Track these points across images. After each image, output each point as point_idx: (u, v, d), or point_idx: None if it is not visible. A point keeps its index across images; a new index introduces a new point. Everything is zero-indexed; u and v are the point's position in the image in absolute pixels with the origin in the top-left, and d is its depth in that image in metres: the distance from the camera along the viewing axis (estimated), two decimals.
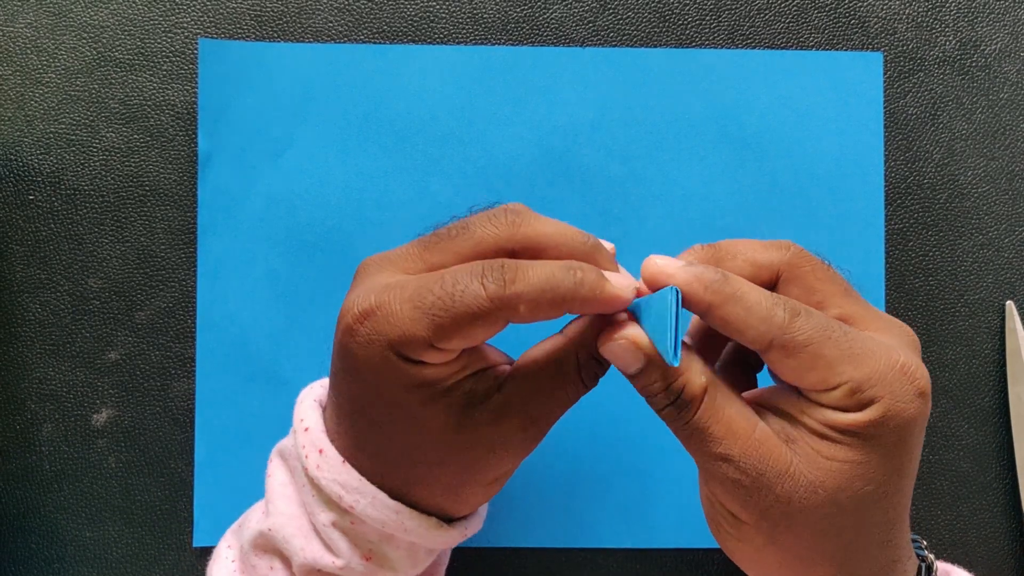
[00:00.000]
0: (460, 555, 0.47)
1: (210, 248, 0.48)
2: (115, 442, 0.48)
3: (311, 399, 0.37)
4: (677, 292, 0.31)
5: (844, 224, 0.48)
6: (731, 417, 0.33)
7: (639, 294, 0.33)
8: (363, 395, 0.33)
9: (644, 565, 0.48)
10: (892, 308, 0.49)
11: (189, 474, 0.48)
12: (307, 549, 0.36)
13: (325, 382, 0.39)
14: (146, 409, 0.48)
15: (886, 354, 0.32)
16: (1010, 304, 0.48)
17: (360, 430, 0.35)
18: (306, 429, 0.36)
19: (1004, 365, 0.48)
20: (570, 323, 0.35)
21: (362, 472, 0.35)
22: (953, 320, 0.49)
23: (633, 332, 0.33)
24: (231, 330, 0.48)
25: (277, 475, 0.38)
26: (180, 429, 0.48)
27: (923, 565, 0.37)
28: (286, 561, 0.37)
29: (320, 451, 0.35)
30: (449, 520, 0.37)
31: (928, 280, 0.49)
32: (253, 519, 0.39)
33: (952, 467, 0.49)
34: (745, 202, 0.48)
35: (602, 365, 0.34)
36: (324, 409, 0.37)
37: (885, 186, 0.49)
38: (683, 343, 0.33)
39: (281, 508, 0.37)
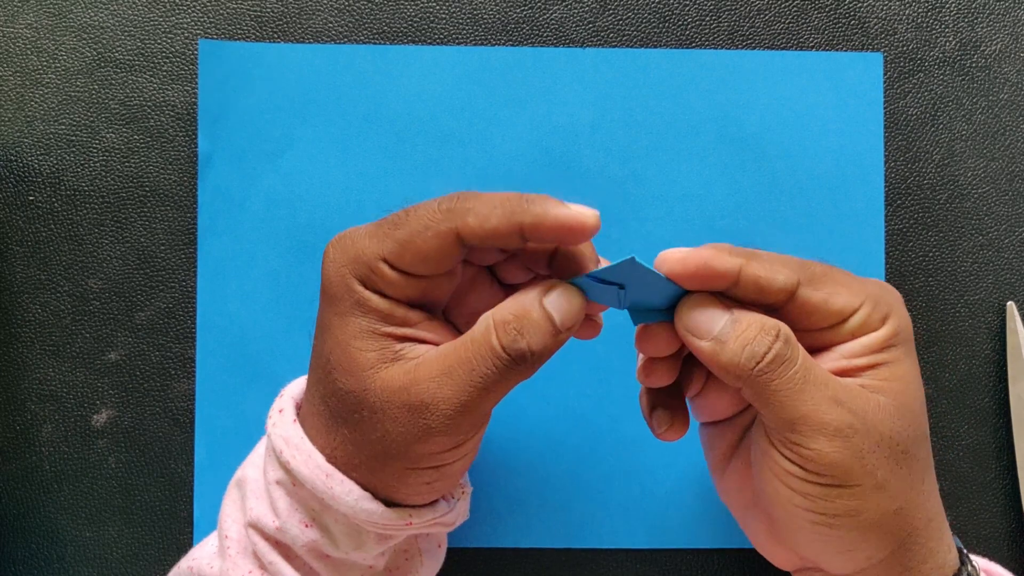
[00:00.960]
0: (460, 555, 0.48)
1: (210, 249, 0.48)
2: (115, 443, 0.48)
3: (304, 377, 0.39)
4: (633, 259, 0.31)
5: (844, 224, 0.48)
6: (819, 369, 0.33)
7: (596, 224, 0.32)
8: (320, 319, 0.34)
9: (645, 565, 0.48)
10: None
11: (189, 475, 0.48)
12: (255, 507, 0.36)
13: None
14: (146, 410, 0.48)
15: (871, 280, 0.36)
16: (1011, 304, 0.48)
17: (312, 375, 0.35)
18: (281, 395, 0.38)
19: (1004, 365, 0.48)
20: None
21: (307, 431, 0.35)
22: (953, 320, 0.49)
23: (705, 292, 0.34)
24: (231, 330, 0.48)
25: (260, 444, 0.39)
26: (180, 430, 0.48)
27: (961, 553, 0.37)
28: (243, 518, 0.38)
29: (280, 411, 0.37)
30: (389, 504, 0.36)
31: (928, 281, 0.49)
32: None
33: (952, 467, 0.49)
34: (745, 203, 0.48)
35: (523, 331, 0.32)
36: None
37: (885, 187, 0.49)
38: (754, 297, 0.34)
39: (248, 469, 0.38)
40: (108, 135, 0.48)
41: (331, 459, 0.35)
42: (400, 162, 0.48)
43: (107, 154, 0.48)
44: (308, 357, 0.47)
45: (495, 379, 0.32)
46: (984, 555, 0.48)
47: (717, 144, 0.48)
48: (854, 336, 0.34)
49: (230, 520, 0.38)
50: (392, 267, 0.33)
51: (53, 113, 0.48)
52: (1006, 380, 0.48)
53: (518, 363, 0.32)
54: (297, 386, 0.38)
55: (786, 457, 0.33)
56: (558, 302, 0.33)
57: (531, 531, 0.48)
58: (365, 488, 0.35)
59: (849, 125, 0.49)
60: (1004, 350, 0.48)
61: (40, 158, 0.48)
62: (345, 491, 0.34)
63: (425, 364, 0.33)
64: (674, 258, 0.33)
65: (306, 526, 0.36)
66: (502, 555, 0.48)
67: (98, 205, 0.48)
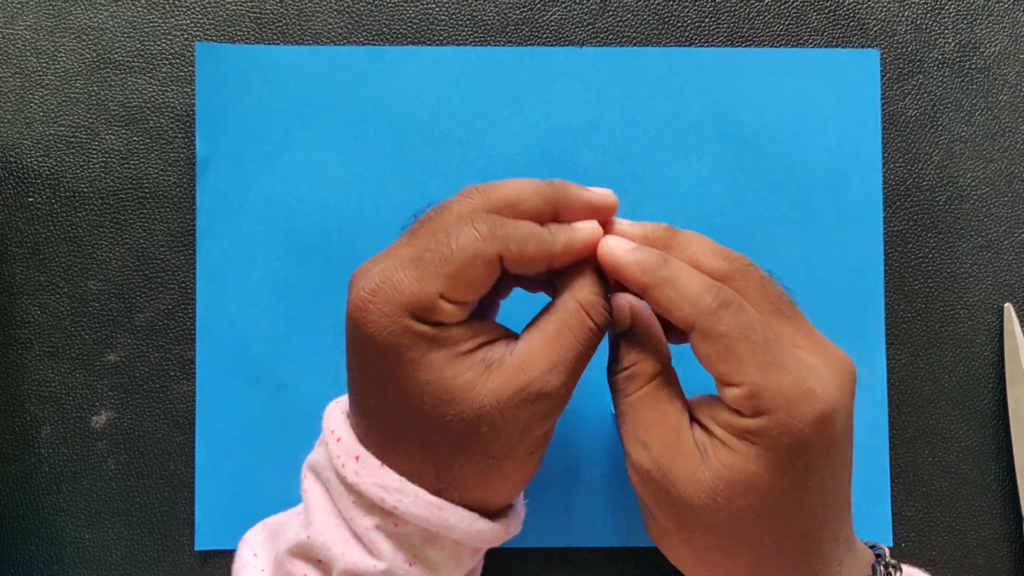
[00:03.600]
0: None
1: (209, 250, 0.48)
2: (115, 444, 0.48)
3: (338, 411, 0.38)
4: None
5: (843, 222, 0.48)
6: (666, 412, 0.35)
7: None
8: (383, 377, 0.34)
9: (645, 564, 0.48)
10: (891, 310, 0.49)
11: (189, 476, 0.48)
12: (348, 554, 0.36)
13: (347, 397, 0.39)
14: (146, 411, 0.48)
15: (797, 372, 0.33)
16: (1008, 306, 0.49)
17: (386, 422, 0.35)
18: (338, 440, 0.37)
19: (1003, 367, 0.48)
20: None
21: (399, 472, 0.36)
22: (952, 322, 0.49)
23: (629, 296, 0.37)
24: (231, 332, 0.48)
25: (313, 489, 0.38)
26: (180, 431, 0.48)
27: (883, 571, 0.38)
28: (324, 568, 0.37)
29: (356, 458, 0.36)
30: (489, 516, 0.37)
31: (927, 282, 0.49)
32: (291, 530, 0.39)
33: (951, 469, 0.49)
34: (743, 201, 0.48)
35: (606, 301, 0.36)
36: (350, 419, 0.38)
37: (884, 188, 0.49)
38: (654, 332, 0.37)
39: (319, 518, 0.37)
40: (107, 137, 0.48)
41: (444, 492, 0.35)
42: (399, 163, 0.48)
43: (106, 156, 0.48)
44: (307, 359, 0.47)
45: (588, 351, 0.36)
46: (983, 557, 0.48)
47: (715, 142, 0.48)
48: (729, 407, 0.34)
49: (301, 569, 0.37)
50: (448, 300, 0.33)
51: (52, 115, 0.48)
52: (1005, 382, 0.48)
53: (603, 331, 0.36)
54: (341, 422, 0.37)
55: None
56: (604, 257, 0.37)
57: (531, 530, 0.48)
58: (473, 508, 0.36)
59: (847, 122, 0.49)
60: (1003, 352, 0.48)
61: (39, 160, 0.48)
62: (459, 518, 0.35)
63: (532, 359, 0.34)
64: (602, 247, 0.36)
65: (410, 564, 0.36)
66: (502, 555, 0.48)
67: (97, 207, 0.48)
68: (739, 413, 0.34)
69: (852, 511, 0.38)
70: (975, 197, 0.49)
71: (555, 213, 0.36)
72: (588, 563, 0.48)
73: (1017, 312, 0.49)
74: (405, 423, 0.35)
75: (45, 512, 0.48)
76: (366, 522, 0.36)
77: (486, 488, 0.36)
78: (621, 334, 0.37)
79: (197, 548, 0.47)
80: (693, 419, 0.36)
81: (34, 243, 0.48)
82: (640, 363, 0.36)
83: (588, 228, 0.36)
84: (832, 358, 0.35)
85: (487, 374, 0.34)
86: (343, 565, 0.36)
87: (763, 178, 0.48)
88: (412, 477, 0.35)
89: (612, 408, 0.48)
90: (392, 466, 0.36)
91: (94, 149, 0.48)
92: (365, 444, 0.36)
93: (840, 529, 0.37)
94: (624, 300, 0.37)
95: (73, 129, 0.48)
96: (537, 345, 0.35)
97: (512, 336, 0.36)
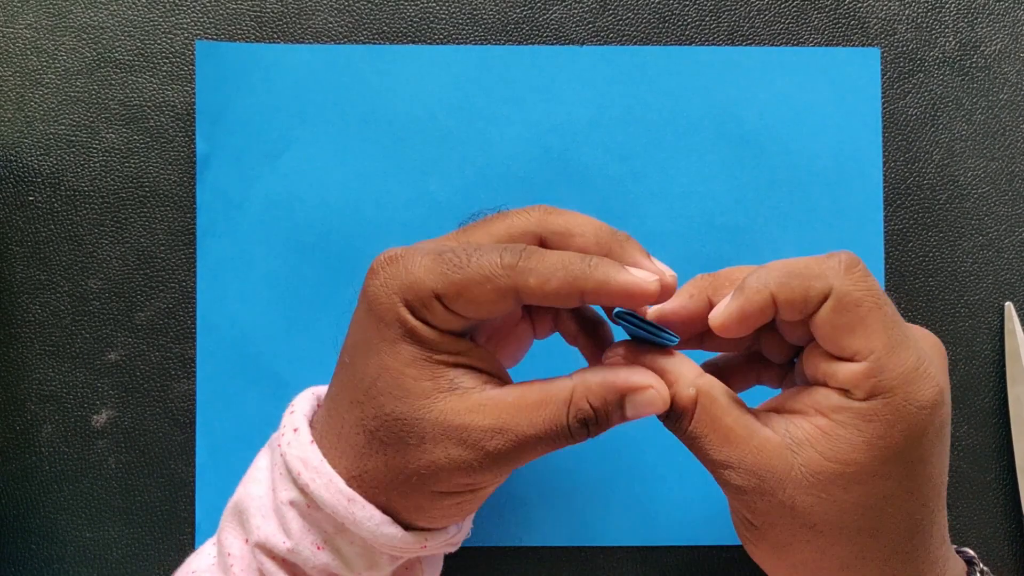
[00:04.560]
0: (460, 555, 0.48)
1: (210, 249, 0.48)
2: (115, 443, 0.48)
3: (310, 392, 0.38)
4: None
5: (843, 221, 0.48)
6: (728, 425, 0.33)
7: (664, 290, 0.33)
8: (359, 341, 0.34)
9: (646, 563, 0.48)
10: None
11: (189, 475, 0.48)
12: (263, 527, 0.36)
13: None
14: (146, 410, 0.48)
15: (918, 351, 0.32)
16: (1009, 305, 0.48)
17: (338, 392, 0.35)
18: (291, 412, 0.37)
19: (1003, 366, 0.48)
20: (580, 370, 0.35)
21: (327, 458, 0.35)
22: (953, 321, 0.49)
23: (622, 350, 0.35)
24: (231, 331, 0.48)
25: (260, 460, 0.38)
26: (180, 430, 0.48)
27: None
28: (246, 536, 0.37)
29: (295, 430, 0.36)
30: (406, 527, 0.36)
31: (928, 281, 0.49)
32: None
33: (952, 468, 0.49)
34: (744, 199, 0.48)
35: (596, 417, 0.34)
36: (322, 401, 0.38)
37: (885, 187, 0.49)
38: (671, 352, 0.35)
39: (251, 487, 0.37)
40: (108, 135, 0.48)
41: (356, 481, 0.35)
42: (399, 162, 0.48)
43: (107, 154, 0.48)
44: (308, 357, 0.48)
45: (550, 442, 0.34)
46: (984, 556, 0.48)
47: (716, 141, 0.48)
48: (838, 388, 0.33)
49: (232, 537, 0.37)
50: (444, 306, 0.33)
51: (53, 113, 0.48)
52: (1005, 381, 0.48)
53: (575, 439, 0.34)
54: (307, 401, 0.38)
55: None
56: (639, 407, 0.34)
57: (532, 529, 0.48)
58: (386, 512, 0.35)
59: (848, 121, 0.48)
60: (1003, 351, 0.48)
61: (40, 158, 0.48)
62: (367, 516, 0.35)
63: (492, 410, 0.33)
64: (717, 322, 0.33)
65: (318, 548, 0.36)
66: (503, 554, 0.48)
67: (98, 205, 0.48)
68: (848, 394, 0.32)
69: None
70: (976, 196, 0.49)
71: (581, 296, 0.33)
72: (590, 562, 0.48)
73: (1018, 311, 0.49)
74: (353, 399, 0.34)
75: (46, 511, 0.48)
76: (284, 495, 0.36)
77: (396, 500, 0.35)
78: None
79: (197, 546, 0.47)
80: (773, 412, 0.34)
81: (35, 242, 0.48)
82: (675, 394, 0.34)
83: (638, 275, 0.33)
84: (930, 341, 0.34)
85: (447, 394, 0.33)
86: (256, 537, 0.36)
87: (763, 177, 0.48)
88: (333, 460, 0.35)
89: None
90: (320, 443, 0.35)
91: (94, 148, 0.48)
92: (312, 424, 0.36)
93: (944, 524, 0.35)
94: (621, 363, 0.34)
95: (73, 128, 0.48)
96: (509, 401, 0.33)
97: (502, 381, 0.35)
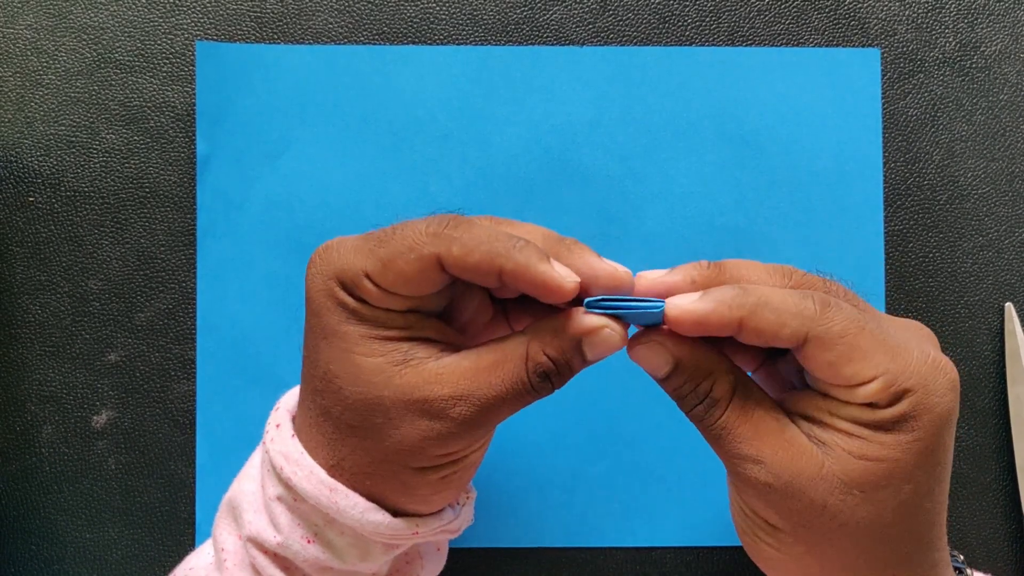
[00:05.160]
0: (460, 555, 0.48)
1: (210, 250, 0.48)
2: (115, 444, 0.48)
3: (296, 388, 0.38)
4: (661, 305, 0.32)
5: (843, 221, 0.48)
6: (760, 417, 0.33)
7: (583, 288, 0.32)
8: (311, 332, 0.34)
9: (646, 564, 0.48)
10: (892, 309, 0.49)
11: (190, 476, 0.48)
12: (254, 522, 0.36)
13: None
14: (146, 411, 0.48)
15: (919, 346, 0.32)
16: (1009, 306, 0.48)
17: (306, 384, 0.35)
18: (277, 409, 0.37)
19: (1003, 366, 0.48)
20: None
21: (307, 449, 0.35)
22: (953, 321, 0.49)
23: (658, 336, 0.33)
24: (231, 332, 0.48)
25: (254, 457, 0.39)
26: (180, 431, 0.48)
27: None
28: (239, 531, 0.37)
29: (277, 425, 0.36)
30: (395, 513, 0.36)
31: (928, 281, 0.49)
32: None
33: (952, 468, 0.48)
34: (744, 200, 0.48)
35: (557, 367, 0.33)
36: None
37: (885, 187, 0.49)
38: (707, 353, 0.33)
39: (244, 483, 0.37)
40: (108, 136, 0.48)
41: (336, 471, 0.35)
42: (399, 163, 0.48)
43: (107, 155, 0.48)
44: None
45: (515, 400, 0.33)
46: (984, 556, 0.48)
47: (716, 142, 0.48)
48: (860, 403, 0.32)
49: (226, 533, 0.38)
50: (375, 284, 0.32)
51: (53, 114, 0.48)
52: (1005, 381, 0.48)
53: (540, 393, 0.33)
54: (292, 398, 0.38)
55: (732, 482, 0.35)
56: (597, 347, 0.33)
57: (532, 530, 0.48)
58: (371, 499, 0.35)
59: (848, 121, 0.49)
60: (1003, 352, 0.48)
61: (40, 159, 0.48)
62: (350, 504, 0.34)
63: (451, 377, 0.32)
64: (673, 314, 0.32)
65: (308, 542, 0.36)
66: (502, 555, 0.48)
67: (98, 206, 0.48)
68: (873, 406, 0.32)
69: None
70: (976, 196, 0.49)
71: (499, 276, 0.32)
72: (589, 563, 0.48)
73: (1018, 311, 0.49)
74: (314, 389, 0.34)
75: (46, 511, 0.48)
76: (271, 491, 0.36)
77: (379, 484, 0.34)
78: (668, 376, 0.34)
79: (197, 547, 0.47)
80: (792, 412, 0.34)
81: (35, 242, 0.48)
82: (715, 387, 0.33)
83: (559, 271, 0.32)
84: (915, 328, 0.34)
85: (401, 367, 0.32)
86: (247, 532, 0.36)
87: (763, 178, 0.48)
88: (313, 452, 0.35)
89: (612, 407, 0.48)
90: (301, 436, 0.35)
91: (95, 148, 0.48)
92: (293, 416, 0.37)
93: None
94: (657, 348, 0.33)
95: (73, 128, 0.48)
96: (465, 366, 0.33)
97: (456, 348, 0.34)
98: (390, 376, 0.32)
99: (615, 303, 0.33)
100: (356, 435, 0.34)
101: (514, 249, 0.31)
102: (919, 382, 0.31)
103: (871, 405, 0.32)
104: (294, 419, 0.37)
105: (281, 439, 0.36)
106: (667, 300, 0.32)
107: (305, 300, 0.34)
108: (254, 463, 0.38)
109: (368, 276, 0.32)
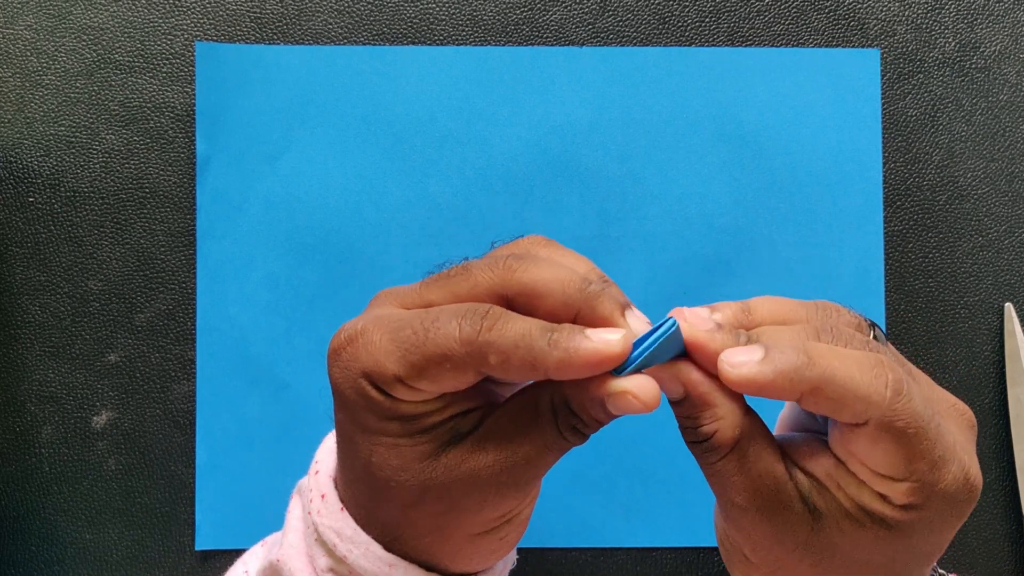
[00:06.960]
0: None
1: (209, 251, 0.48)
2: (115, 444, 0.48)
3: (332, 441, 0.37)
4: (674, 323, 0.30)
5: (843, 224, 0.48)
6: (759, 473, 0.31)
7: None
8: (346, 424, 0.33)
9: (646, 564, 0.48)
10: (892, 309, 0.49)
11: (190, 477, 0.48)
12: None
13: None
14: (146, 411, 0.48)
15: (959, 459, 0.30)
16: (1009, 306, 0.48)
17: (348, 467, 0.34)
18: (316, 472, 0.36)
19: (1003, 367, 0.48)
20: None
21: (357, 521, 0.34)
22: (952, 322, 0.49)
23: (673, 368, 0.32)
24: (231, 332, 0.48)
25: (295, 511, 0.38)
26: (180, 431, 0.48)
27: None
28: None
29: (323, 496, 0.35)
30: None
31: (928, 282, 0.49)
32: (271, 546, 0.38)
33: None
34: (744, 200, 0.48)
35: (578, 417, 0.32)
36: None
37: (885, 188, 0.49)
38: (727, 391, 0.31)
39: (292, 542, 0.37)
40: (108, 137, 0.48)
41: (394, 544, 0.34)
42: (399, 163, 0.48)
43: (107, 156, 0.48)
44: (307, 359, 0.47)
45: (554, 453, 0.32)
46: (984, 557, 0.48)
47: (715, 142, 0.48)
48: (876, 490, 0.31)
49: None
50: (407, 386, 0.31)
51: (53, 114, 0.48)
52: (1005, 382, 0.48)
53: (577, 442, 0.32)
54: (330, 457, 0.37)
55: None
56: (621, 409, 0.31)
57: (532, 531, 0.48)
58: (431, 566, 0.34)
59: (847, 122, 0.49)
60: (1003, 352, 0.48)
61: (40, 160, 0.48)
62: None
63: (489, 439, 0.32)
64: (731, 376, 0.30)
65: None
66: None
67: (98, 207, 0.48)
68: (887, 499, 0.30)
69: None
70: (975, 197, 0.49)
71: (575, 320, 0.31)
72: (589, 563, 0.48)
73: (1017, 312, 0.49)
74: (360, 470, 0.33)
75: (45, 512, 0.48)
76: (322, 562, 0.35)
77: (437, 552, 0.34)
78: (678, 401, 0.32)
79: (197, 548, 0.47)
80: (793, 463, 0.32)
81: (35, 243, 0.48)
82: (718, 433, 0.31)
83: (599, 341, 0.30)
84: (957, 414, 0.33)
85: (447, 447, 0.32)
86: None
87: (763, 178, 0.48)
88: (366, 526, 0.34)
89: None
90: (350, 509, 0.35)
91: (94, 149, 0.48)
92: (336, 482, 0.36)
93: None
94: (676, 375, 0.31)
95: (73, 129, 0.48)
96: (502, 429, 0.32)
97: (492, 407, 0.33)
98: (437, 458, 0.32)
99: (638, 345, 0.31)
100: (411, 516, 0.33)
101: (549, 347, 0.30)
102: (944, 501, 0.30)
103: (885, 496, 0.31)
104: (335, 482, 0.36)
105: (329, 513, 0.35)
106: (721, 356, 0.30)
107: (333, 392, 0.33)
108: (294, 525, 0.37)
109: (402, 381, 0.31)
